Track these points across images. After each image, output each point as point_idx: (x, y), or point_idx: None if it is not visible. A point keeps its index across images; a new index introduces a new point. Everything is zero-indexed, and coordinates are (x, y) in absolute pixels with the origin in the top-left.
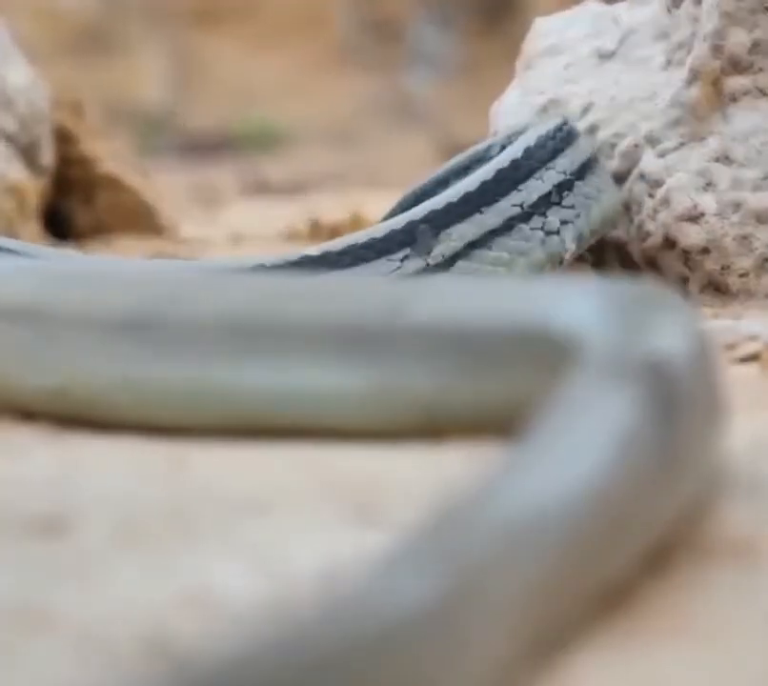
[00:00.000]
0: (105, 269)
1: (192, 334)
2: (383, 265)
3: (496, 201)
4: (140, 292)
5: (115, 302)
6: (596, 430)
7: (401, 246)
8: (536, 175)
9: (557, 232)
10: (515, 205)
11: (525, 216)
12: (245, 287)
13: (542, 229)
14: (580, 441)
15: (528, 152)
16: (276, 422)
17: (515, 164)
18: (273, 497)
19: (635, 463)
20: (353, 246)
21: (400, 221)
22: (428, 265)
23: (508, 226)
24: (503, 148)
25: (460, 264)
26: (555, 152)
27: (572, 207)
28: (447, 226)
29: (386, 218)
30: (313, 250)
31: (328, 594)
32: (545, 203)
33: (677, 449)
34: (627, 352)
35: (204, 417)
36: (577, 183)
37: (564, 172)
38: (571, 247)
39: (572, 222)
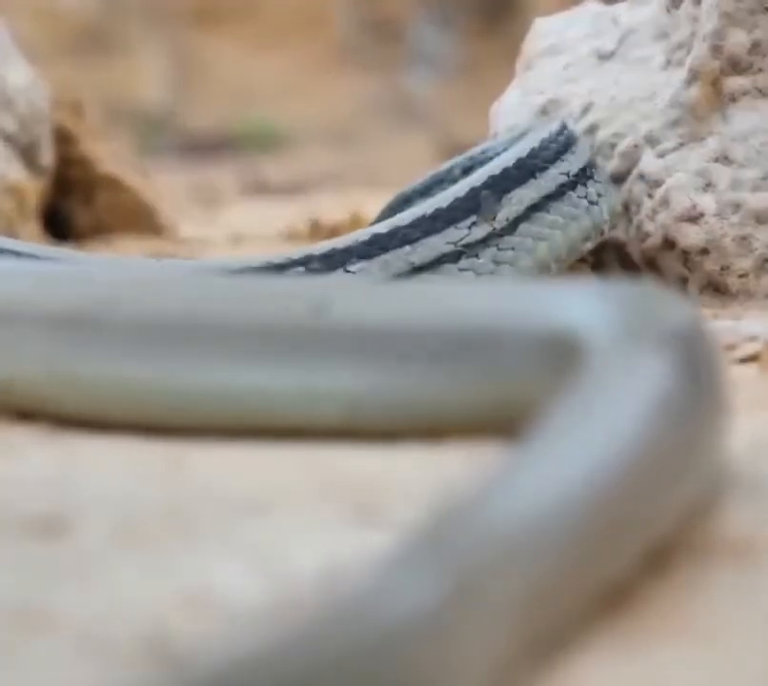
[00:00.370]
0: (57, 268)
1: (128, 333)
2: (452, 233)
3: (547, 167)
4: (82, 291)
5: (60, 300)
6: (627, 399)
7: (467, 213)
8: (572, 149)
9: (597, 203)
10: (562, 173)
11: (572, 184)
12: (185, 288)
13: (586, 198)
14: (609, 415)
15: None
16: (214, 421)
17: (553, 136)
18: (273, 497)
19: (670, 426)
20: (421, 218)
21: (462, 189)
22: (494, 229)
23: (560, 192)
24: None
25: (522, 227)
26: (574, 139)
27: (601, 182)
28: (508, 190)
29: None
30: (382, 226)
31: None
32: (584, 175)
33: (707, 415)
34: (637, 334)
35: (140, 413)
36: (599, 165)
37: (588, 150)
38: (606, 218)
39: (604, 195)
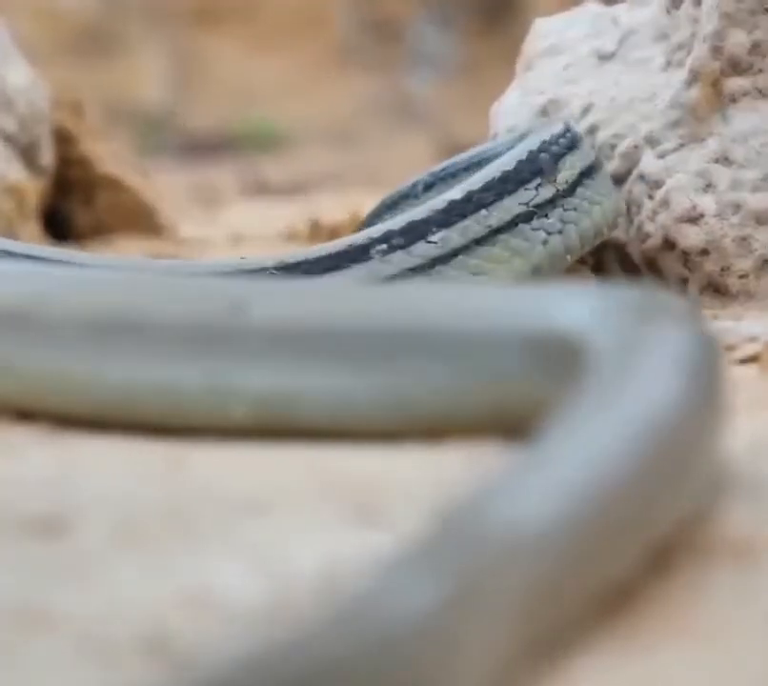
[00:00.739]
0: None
1: (59, 329)
2: (523, 194)
3: (579, 142)
4: (22, 287)
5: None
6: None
7: (533, 175)
8: (579, 146)
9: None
10: (591, 149)
11: (599, 162)
12: (109, 286)
13: (610, 176)
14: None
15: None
16: (140, 416)
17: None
18: (273, 497)
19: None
20: (492, 181)
21: (522, 152)
22: (558, 190)
23: (595, 165)
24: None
25: (579, 191)
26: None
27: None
28: (562, 155)
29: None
30: (456, 193)
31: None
32: (601, 159)
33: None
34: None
35: (70, 407)
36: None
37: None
38: (623, 206)
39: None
